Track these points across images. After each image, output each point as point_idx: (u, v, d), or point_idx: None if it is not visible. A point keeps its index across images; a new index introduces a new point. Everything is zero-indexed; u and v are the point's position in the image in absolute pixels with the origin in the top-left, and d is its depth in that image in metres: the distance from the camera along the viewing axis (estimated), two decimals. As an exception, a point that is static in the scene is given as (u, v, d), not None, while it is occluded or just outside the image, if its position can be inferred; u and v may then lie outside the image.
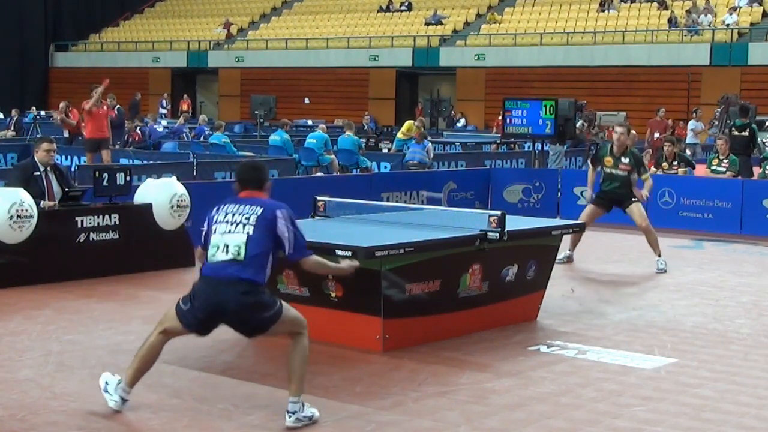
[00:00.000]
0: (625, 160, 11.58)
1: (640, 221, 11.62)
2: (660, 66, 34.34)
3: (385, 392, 6.55)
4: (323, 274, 6.14)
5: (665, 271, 11.42)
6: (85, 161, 18.53)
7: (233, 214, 5.83)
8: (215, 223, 5.88)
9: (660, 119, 27.13)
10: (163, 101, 40.71)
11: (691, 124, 27.76)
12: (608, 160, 11.68)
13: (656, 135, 26.48)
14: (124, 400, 6.00)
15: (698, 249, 13.74)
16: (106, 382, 6.07)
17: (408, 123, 24.41)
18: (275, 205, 5.89)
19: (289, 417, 5.80)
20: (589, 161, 12.34)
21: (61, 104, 24.69)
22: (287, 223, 5.83)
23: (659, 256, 11.63)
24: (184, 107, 39.55)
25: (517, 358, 7.54)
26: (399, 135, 24.01)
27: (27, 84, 47.63)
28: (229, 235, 5.77)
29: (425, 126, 28.71)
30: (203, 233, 6.02)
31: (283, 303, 5.95)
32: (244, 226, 5.77)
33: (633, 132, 21.66)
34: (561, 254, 10.94)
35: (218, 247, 5.77)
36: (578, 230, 9.12)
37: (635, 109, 31.94)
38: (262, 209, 5.81)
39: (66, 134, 22.33)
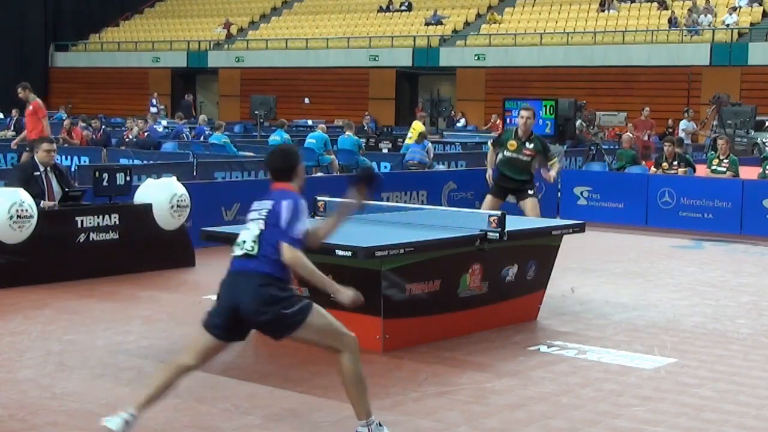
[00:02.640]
0: (530, 145, 11.14)
1: (533, 216, 11.14)
2: (660, 66, 34.34)
3: (385, 392, 6.55)
4: (307, 278, 5.66)
5: None
6: (85, 161, 18.56)
7: (255, 211, 5.62)
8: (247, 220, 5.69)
9: (645, 119, 27.16)
10: (153, 100, 40.76)
11: (683, 124, 27.76)
12: (512, 143, 11.20)
13: (646, 135, 26.52)
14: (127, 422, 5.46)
15: (698, 249, 13.74)
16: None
17: (418, 126, 23.96)
18: (285, 196, 5.59)
19: None
20: (490, 143, 11.83)
21: (65, 121, 24.70)
22: (288, 212, 5.50)
23: None
24: None
25: (517, 358, 7.54)
26: (408, 141, 23.50)
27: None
28: (246, 231, 5.60)
29: (425, 125, 28.61)
30: None
31: (319, 311, 5.65)
32: (257, 221, 5.57)
33: (629, 134, 21.79)
34: None
35: (238, 244, 5.61)
36: (579, 230, 9.12)
37: (635, 109, 31.87)
38: (272, 203, 5.56)
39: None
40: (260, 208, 5.61)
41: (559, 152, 19.75)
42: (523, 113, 11.22)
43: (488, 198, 11.53)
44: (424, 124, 24.63)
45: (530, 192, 11.27)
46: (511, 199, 11.57)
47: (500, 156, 11.40)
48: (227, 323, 5.55)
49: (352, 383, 5.59)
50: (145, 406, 5.49)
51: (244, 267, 5.52)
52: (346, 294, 5.69)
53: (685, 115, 28.32)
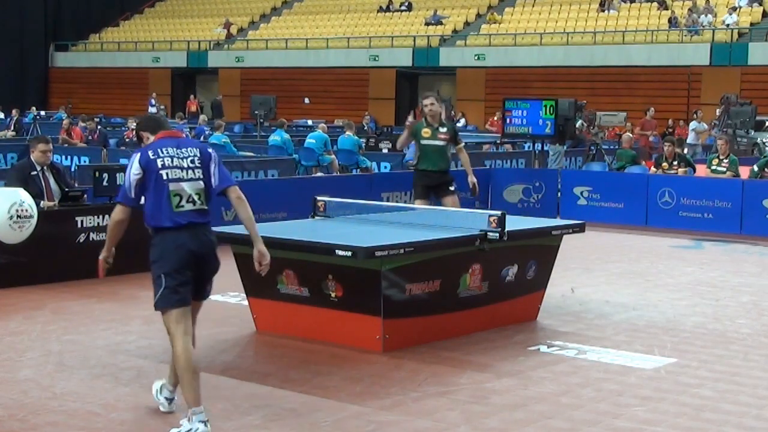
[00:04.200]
0: (443, 129, 11.16)
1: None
2: (660, 66, 34.33)
3: (385, 392, 6.55)
4: (243, 216, 5.88)
5: None
6: (85, 161, 18.55)
7: (176, 158, 5.72)
8: (162, 168, 5.67)
9: (650, 119, 27.22)
10: (152, 100, 40.88)
11: (693, 124, 27.77)
12: (426, 131, 11.14)
13: (652, 136, 26.55)
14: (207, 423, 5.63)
15: (698, 249, 13.74)
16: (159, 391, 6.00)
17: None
18: (204, 144, 6.11)
19: None
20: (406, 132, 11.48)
21: (65, 121, 24.67)
22: (217, 162, 5.85)
23: None
24: (192, 108, 39.58)
25: (517, 358, 7.54)
26: None
27: (27, 84, 47.66)
28: (187, 183, 5.70)
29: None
30: (133, 183, 5.71)
31: None
32: (194, 170, 5.74)
33: (629, 134, 21.80)
34: None
35: (182, 197, 5.69)
36: (579, 230, 9.12)
37: (635, 109, 31.90)
38: (198, 150, 5.81)
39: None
40: (186, 155, 5.73)
41: (558, 152, 19.81)
42: (425, 101, 11.26)
43: (416, 203, 11.21)
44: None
45: (451, 188, 11.21)
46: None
47: (417, 152, 11.38)
48: (190, 280, 5.68)
49: (194, 367, 5.63)
50: (197, 396, 5.59)
51: (201, 219, 5.76)
52: (260, 252, 5.93)
53: (695, 116, 28.35)
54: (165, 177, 5.65)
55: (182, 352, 5.58)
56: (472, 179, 11.55)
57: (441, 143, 11.14)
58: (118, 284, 10.14)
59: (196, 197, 5.71)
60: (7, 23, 47.15)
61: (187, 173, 5.70)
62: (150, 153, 5.68)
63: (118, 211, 5.79)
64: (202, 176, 5.74)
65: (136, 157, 5.71)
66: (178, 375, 5.65)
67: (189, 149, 5.78)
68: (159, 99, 41.92)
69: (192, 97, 42.59)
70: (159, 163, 5.65)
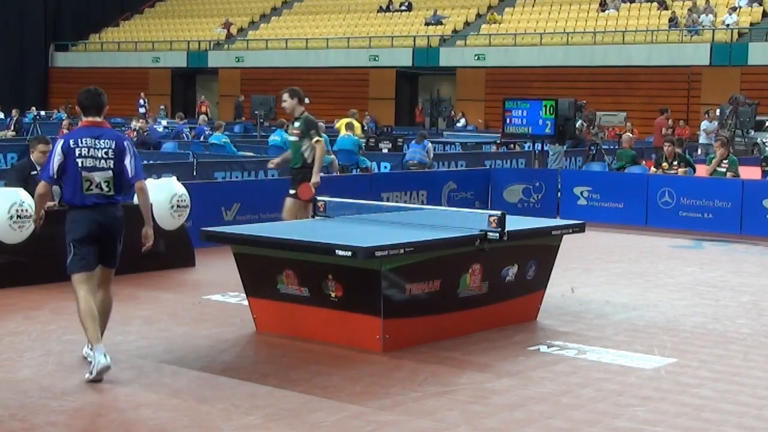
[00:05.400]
0: (296, 124, 10.74)
1: (285, 215, 10.64)
2: (660, 66, 34.35)
3: (385, 392, 6.55)
4: (141, 201, 6.97)
5: None
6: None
7: (92, 149, 6.67)
8: (79, 157, 6.63)
9: (664, 118, 27.31)
10: (141, 100, 40.96)
11: (704, 124, 27.81)
12: (289, 127, 10.85)
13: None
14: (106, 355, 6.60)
15: (698, 249, 13.74)
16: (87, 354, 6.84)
17: (344, 121, 22.86)
18: (121, 137, 6.90)
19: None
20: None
21: (64, 121, 24.71)
22: (131, 153, 6.80)
23: None
24: (203, 109, 39.60)
25: (517, 358, 7.54)
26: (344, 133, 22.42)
27: (27, 84, 47.68)
28: (97, 172, 6.67)
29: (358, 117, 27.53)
30: (55, 166, 6.66)
31: None
32: (106, 161, 6.68)
33: (629, 134, 21.77)
34: None
35: (92, 182, 6.67)
36: (579, 230, 9.11)
37: (635, 109, 31.92)
38: (114, 142, 6.73)
39: None
40: (102, 147, 6.69)
41: (558, 152, 19.80)
42: (282, 97, 10.87)
43: (288, 201, 10.79)
44: (358, 120, 23.35)
45: (291, 191, 10.65)
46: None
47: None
48: (95, 251, 6.77)
49: (94, 314, 6.69)
50: (98, 336, 6.64)
51: (107, 201, 6.75)
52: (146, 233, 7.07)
53: (706, 116, 28.37)
54: (80, 165, 6.64)
55: (83, 305, 6.65)
56: (313, 179, 10.59)
57: (294, 139, 10.78)
58: (118, 284, 10.07)
59: (104, 185, 6.70)
60: (7, 23, 47.19)
61: (99, 162, 6.67)
62: (71, 142, 6.69)
63: (42, 186, 6.81)
64: (113, 167, 6.69)
65: (60, 143, 6.70)
66: (81, 321, 6.64)
67: (106, 141, 6.71)
68: (160, 99, 41.91)
69: (202, 98, 42.60)
70: (77, 152, 6.64)
